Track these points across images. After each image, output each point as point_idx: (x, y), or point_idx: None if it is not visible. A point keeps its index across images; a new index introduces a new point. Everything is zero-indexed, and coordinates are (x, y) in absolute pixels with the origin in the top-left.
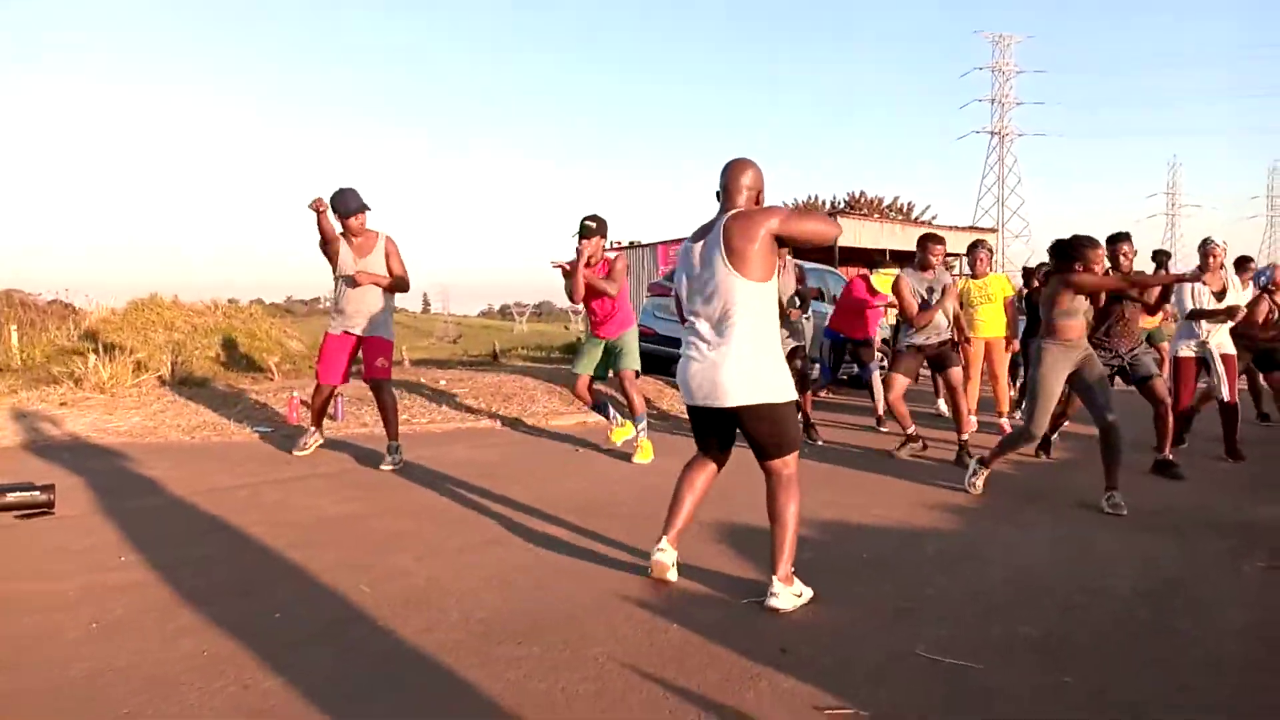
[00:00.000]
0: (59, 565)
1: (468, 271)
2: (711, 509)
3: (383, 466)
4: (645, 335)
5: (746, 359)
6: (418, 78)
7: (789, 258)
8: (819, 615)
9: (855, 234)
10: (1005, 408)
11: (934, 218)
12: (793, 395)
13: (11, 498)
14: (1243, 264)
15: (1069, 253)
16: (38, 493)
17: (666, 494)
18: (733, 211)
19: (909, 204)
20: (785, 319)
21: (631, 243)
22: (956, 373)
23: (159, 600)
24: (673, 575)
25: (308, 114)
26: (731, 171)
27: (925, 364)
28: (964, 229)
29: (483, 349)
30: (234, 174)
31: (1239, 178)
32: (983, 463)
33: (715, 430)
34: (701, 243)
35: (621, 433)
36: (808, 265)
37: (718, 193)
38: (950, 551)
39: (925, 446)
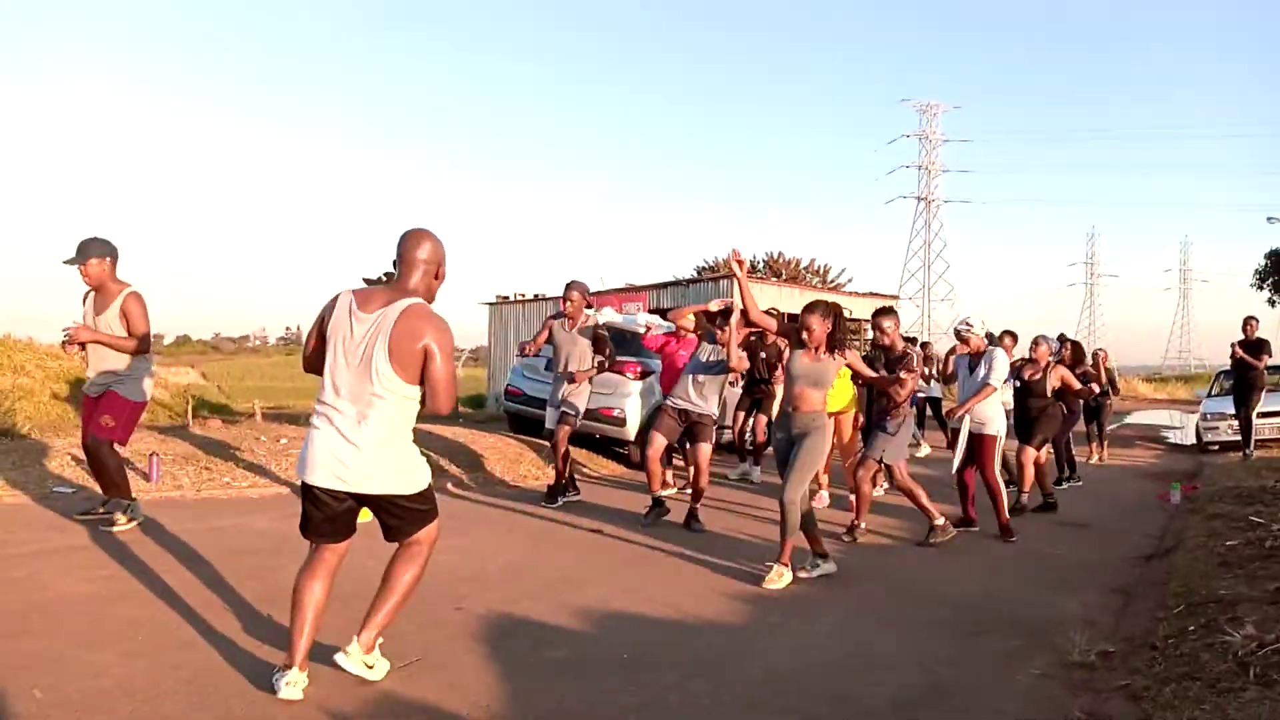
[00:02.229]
0: None
1: None
2: (492, 593)
3: (115, 529)
4: (512, 395)
5: (384, 449)
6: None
7: (594, 315)
8: None
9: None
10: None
11: (849, 281)
12: (426, 482)
13: None
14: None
15: None
16: None
17: (452, 580)
18: (410, 303)
19: (825, 266)
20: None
21: (506, 297)
22: (701, 450)
23: None
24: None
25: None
26: (408, 243)
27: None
28: (865, 294)
29: None
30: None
31: (1153, 251)
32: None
33: (337, 516)
34: (369, 316)
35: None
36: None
37: (394, 262)
38: (720, 648)
39: (659, 517)
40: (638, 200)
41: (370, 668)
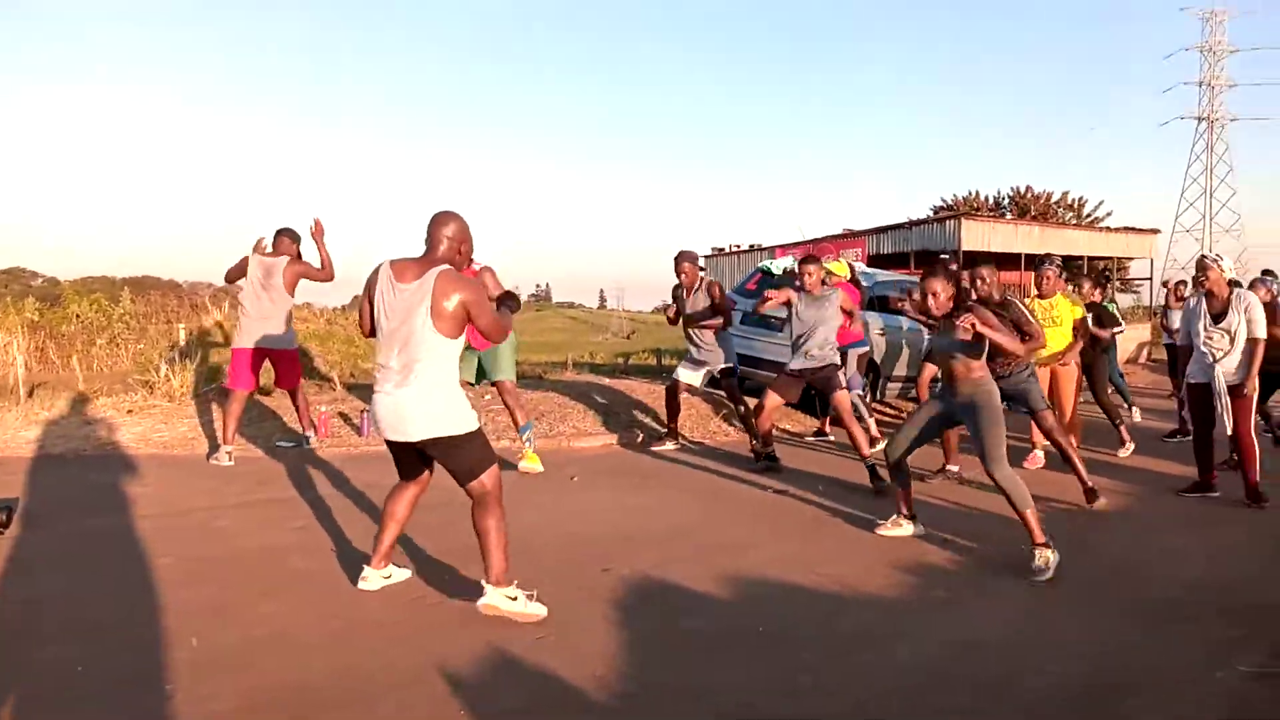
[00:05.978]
0: None
1: (644, 268)
2: (647, 555)
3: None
4: None
5: (429, 397)
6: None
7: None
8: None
9: (984, 237)
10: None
11: (1108, 215)
12: (473, 426)
13: None
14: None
15: None
16: None
17: (611, 539)
18: (443, 269)
19: (1080, 200)
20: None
21: (722, 249)
22: (840, 397)
23: None
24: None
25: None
26: (436, 222)
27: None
28: (1118, 229)
29: (652, 344)
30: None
31: None
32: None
33: (409, 459)
34: (407, 287)
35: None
36: (882, 276)
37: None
38: (870, 629)
39: (769, 467)
40: (862, 141)
41: (513, 599)
